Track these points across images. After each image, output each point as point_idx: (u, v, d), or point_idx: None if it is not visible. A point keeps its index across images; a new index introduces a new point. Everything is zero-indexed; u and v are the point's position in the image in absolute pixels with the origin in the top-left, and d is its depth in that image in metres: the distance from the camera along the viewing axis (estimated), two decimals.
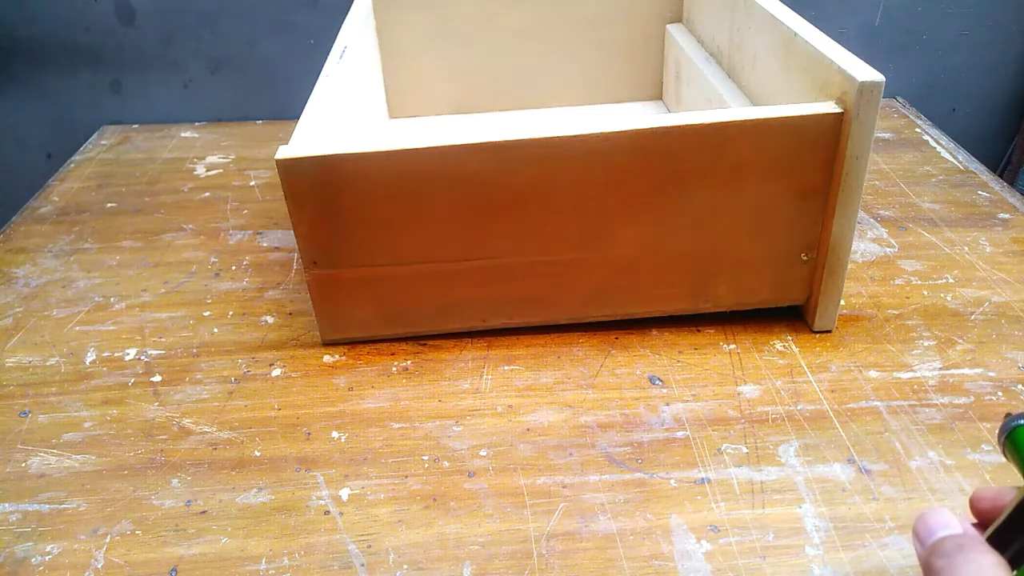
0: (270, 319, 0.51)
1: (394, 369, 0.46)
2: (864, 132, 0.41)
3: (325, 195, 0.42)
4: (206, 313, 0.52)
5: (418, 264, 0.45)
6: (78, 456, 0.41)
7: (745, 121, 0.41)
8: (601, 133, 0.41)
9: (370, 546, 0.36)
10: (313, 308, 0.47)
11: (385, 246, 0.44)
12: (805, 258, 0.46)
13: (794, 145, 0.42)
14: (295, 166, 0.41)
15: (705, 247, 0.46)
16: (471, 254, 0.45)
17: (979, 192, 0.63)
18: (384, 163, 0.41)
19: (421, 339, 0.49)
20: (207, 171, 0.71)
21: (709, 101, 0.60)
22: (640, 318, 0.49)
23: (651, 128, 0.41)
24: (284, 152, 0.41)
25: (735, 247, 0.46)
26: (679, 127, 0.41)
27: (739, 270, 0.47)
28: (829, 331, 0.48)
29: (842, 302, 0.50)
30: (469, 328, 0.48)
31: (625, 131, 0.41)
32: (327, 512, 0.38)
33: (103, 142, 0.78)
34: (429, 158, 0.41)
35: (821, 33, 0.45)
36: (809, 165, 0.43)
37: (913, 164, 0.68)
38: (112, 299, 0.54)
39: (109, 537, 0.37)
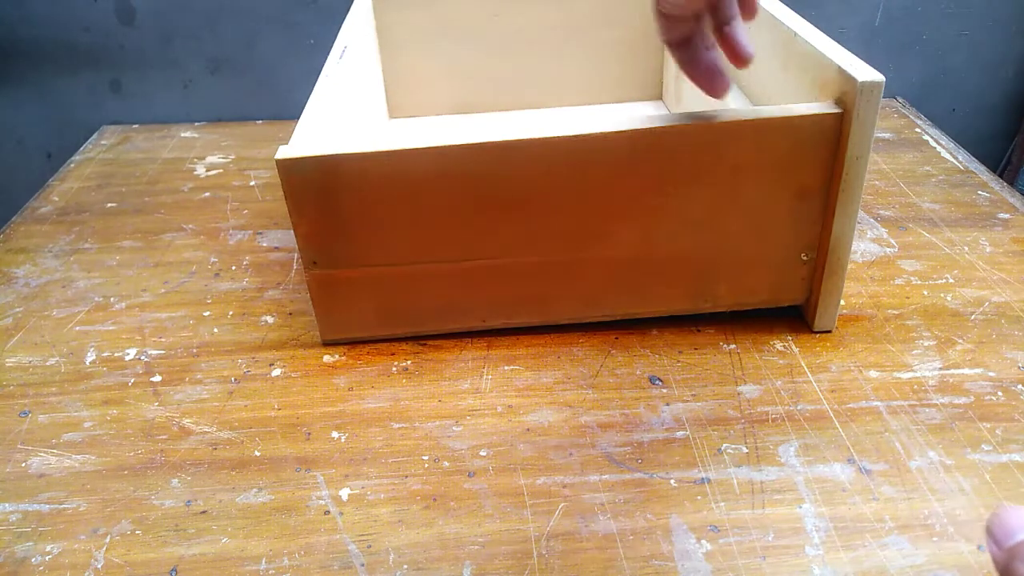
0: (270, 319, 0.51)
1: (394, 369, 0.46)
2: (864, 132, 0.41)
3: (325, 195, 0.42)
4: (206, 313, 0.52)
5: (418, 264, 0.45)
6: (78, 456, 0.41)
7: (744, 121, 0.41)
8: (600, 133, 0.41)
9: (370, 546, 0.36)
10: (313, 308, 0.47)
11: (385, 246, 0.44)
12: (805, 258, 0.46)
13: (794, 145, 0.42)
14: (295, 166, 0.41)
15: (705, 247, 0.46)
16: (471, 254, 0.45)
17: (979, 192, 0.63)
18: (384, 163, 0.41)
19: (421, 339, 0.49)
20: (207, 171, 0.71)
21: (709, 101, 0.60)
22: (640, 318, 0.49)
23: (650, 128, 0.41)
24: (284, 152, 0.41)
25: (735, 247, 0.46)
26: (678, 127, 0.41)
27: (739, 270, 0.47)
28: (829, 331, 0.48)
29: (842, 302, 0.50)
30: (469, 328, 0.48)
31: (624, 131, 0.41)
32: (327, 512, 0.38)
33: (103, 142, 0.78)
34: (429, 158, 0.41)
35: (821, 33, 0.45)
36: (809, 165, 0.43)
37: (913, 164, 0.68)
38: (112, 299, 0.54)
39: (109, 537, 0.37)
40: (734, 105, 0.54)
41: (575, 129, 0.41)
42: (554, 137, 0.41)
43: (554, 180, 0.43)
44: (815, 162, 0.42)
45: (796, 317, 0.49)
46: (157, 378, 0.46)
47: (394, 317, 0.47)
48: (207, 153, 0.75)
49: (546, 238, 0.45)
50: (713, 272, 0.47)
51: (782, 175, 0.43)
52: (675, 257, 0.46)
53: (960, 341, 0.47)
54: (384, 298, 0.46)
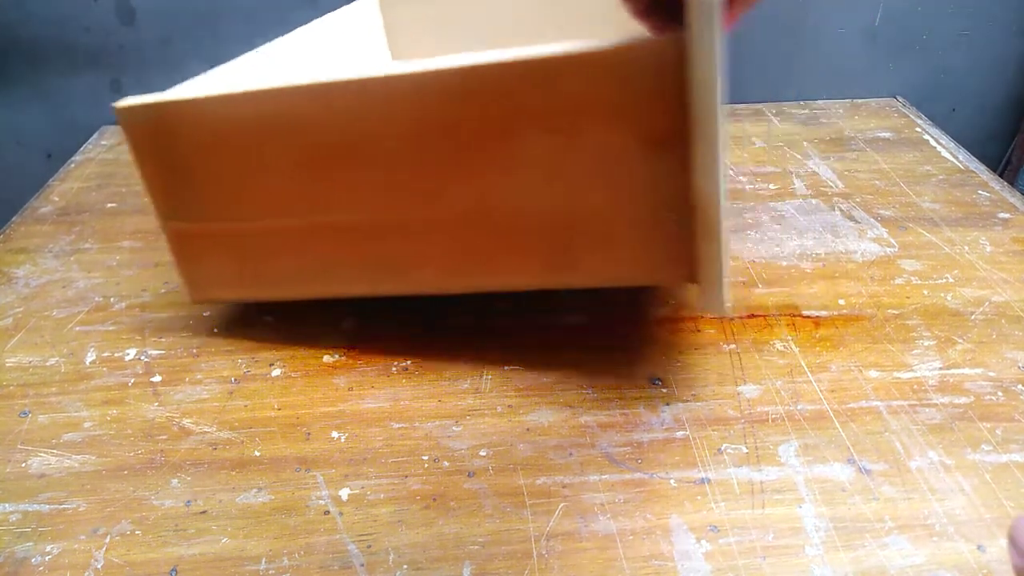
0: (270, 319, 0.51)
1: (394, 369, 0.46)
2: (708, 59, 0.33)
3: (163, 144, 0.41)
4: (206, 313, 0.52)
5: (261, 221, 0.43)
6: (78, 456, 0.41)
7: (573, 55, 0.35)
8: (420, 73, 0.37)
9: (370, 546, 0.36)
10: (176, 266, 0.46)
11: (228, 199, 0.42)
12: (673, 221, 0.38)
13: (632, 82, 0.35)
14: (132, 114, 0.40)
15: (556, 208, 0.40)
16: (309, 211, 0.42)
17: (979, 192, 0.63)
18: (210, 110, 0.40)
19: (418, 336, 0.48)
20: None
21: None
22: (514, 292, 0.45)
23: (475, 66, 0.37)
24: (124, 101, 0.40)
25: (590, 207, 0.39)
26: (505, 64, 0.37)
27: (600, 236, 0.40)
28: (720, 316, 0.43)
29: (850, 300, 0.50)
30: (332, 295, 0.45)
31: (444, 70, 0.37)
32: (327, 512, 0.38)
33: (103, 142, 0.78)
34: (251, 104, 0.39)
35: None
36: (654, 106, 0.36)
37: (913, 164, 0.68)
38: (112, 299, 0.54)
39: (109, 537, 0.37)
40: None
41: (395, 69, 0.37)
42: (371, 78, 0.37)
43: (383, 126, 0.39)
44: (660, 102, 0.35)
45: (796, 316, 0.49)
46: (157, 378, 0.46)
47: (253, 277, 0.45)
48: None
49: (387, 193, 0.41)
50: (571, 239, 0.40)
51: (626, 118, 0.36)
52: (523, 218, 0.41)
53: (960, 341, 0.47)
54: (239, 256, 0.44)
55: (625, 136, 0.37)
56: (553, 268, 0.42)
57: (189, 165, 0.41)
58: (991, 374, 0.44)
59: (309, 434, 0.42)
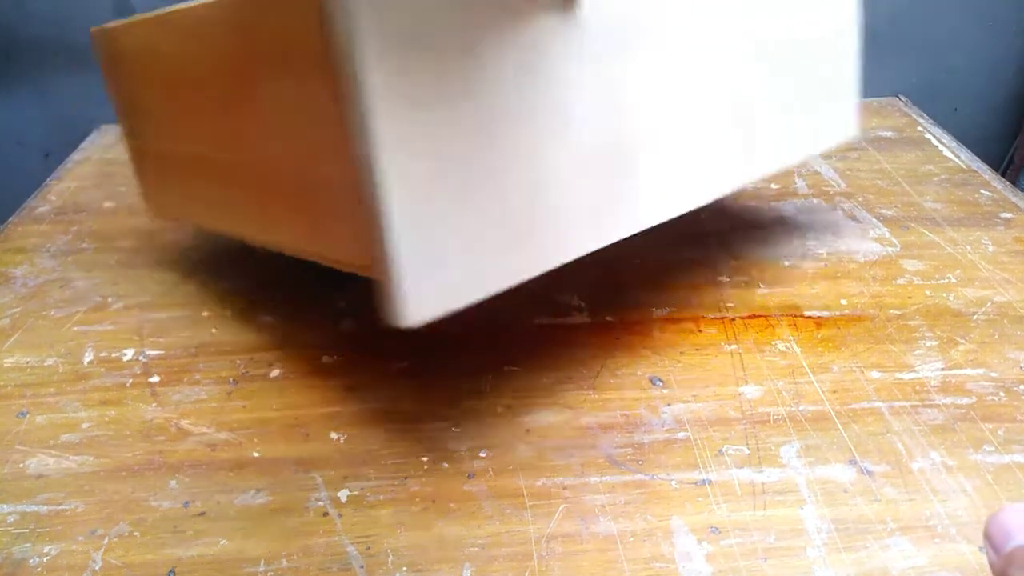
0: (269, 319, 0.51)
1: (394, 369, 0.46)
2: None
3: (116, 64, 0.46)
4: (204, 313, 0.52)
5: (167, 143, 0.46)
6: (76, 457, 0.41)
7: None
8: (190, 7, 0.37)
9: (369, 548, 0.36)
10: (138, 183, 0.50)
11: (148, 120, 0.46)
12: (344, 197, 0.32)
13: (307, 20, 0.30)
14: (96, 37, 0.46)
15: (294, 166, 0.35)
16: (184, 137, 0.44)
17: (982, 191, 0.63)
18: (130, 33, 0.44)
19: (418, 336, 0.48)
20: None
21: None
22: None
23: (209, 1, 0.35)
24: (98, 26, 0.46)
25: (314, 170, 0.34)
26: None
27: (330, 209, 0.34)
28: (411, 324, 0.32)
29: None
30: (222, 231, 0.48)
31: (198, 4, 0.36)
32: (326, 514, 0.37)
33: (101, 141, 0.78)
34: (143, 30, 0.43)
35: None
36: (329, 52, 0.30)
37: (915, 163, 0.68)
38: (110, 299, 0.53)
39: (107, 538, 0.36)
40: None
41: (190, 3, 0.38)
42: (173, 10, 0.39)
43: (183, 61, 0.41)
44: (328, 45, 0.29)
45: (797, 316, 0.49)
46: (155, 378, 0.46)
47: (183, 201, 0.48)
48: None
49: (204, 129, 0.41)
50: (314, 204, 0.35)
51: (321, 64, 0.30)
52: (280, 172, 0.36)
53: (962, 341, 0.47)
54: (169, 175, 0.48)
55: (327, 86, 0.30)
56: (313, 238, 0.37)
57: (129, 85, 0.46)
58: (993, 374, 0.44)
59: (308, 435, 0.42)
